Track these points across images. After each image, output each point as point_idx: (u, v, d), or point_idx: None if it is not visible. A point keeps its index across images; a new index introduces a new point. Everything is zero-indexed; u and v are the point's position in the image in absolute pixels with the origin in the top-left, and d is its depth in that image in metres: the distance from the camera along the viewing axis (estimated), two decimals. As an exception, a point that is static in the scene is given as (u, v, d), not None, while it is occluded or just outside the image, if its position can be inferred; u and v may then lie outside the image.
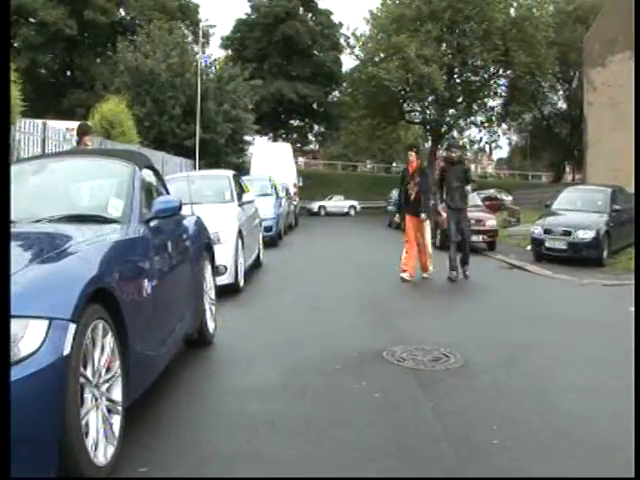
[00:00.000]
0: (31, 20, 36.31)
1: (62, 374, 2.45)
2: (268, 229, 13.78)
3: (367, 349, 5.18)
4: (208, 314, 5.27)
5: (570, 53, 41.63)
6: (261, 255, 10.75)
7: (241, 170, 20.50)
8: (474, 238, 15.83)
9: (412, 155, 9.87)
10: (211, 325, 5.36)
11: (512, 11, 40.58)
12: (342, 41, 45.77)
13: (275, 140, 46.19)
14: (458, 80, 44.19)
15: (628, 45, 28.94)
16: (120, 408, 3.00)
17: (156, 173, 4.91)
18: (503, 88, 46.07)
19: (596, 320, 7.00)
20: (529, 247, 14.57)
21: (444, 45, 41.01)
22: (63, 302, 2.53)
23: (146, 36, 26.96)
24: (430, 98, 41.44)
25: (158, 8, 36.95)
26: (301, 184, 31.60)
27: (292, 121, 52.19)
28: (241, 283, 8.18)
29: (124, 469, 2.87)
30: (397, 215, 10.86)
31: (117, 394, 3.00)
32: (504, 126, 49.47)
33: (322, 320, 6.41)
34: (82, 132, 8.17)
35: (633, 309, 7.88)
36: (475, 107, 45.54)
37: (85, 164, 4.51)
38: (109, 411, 2.91)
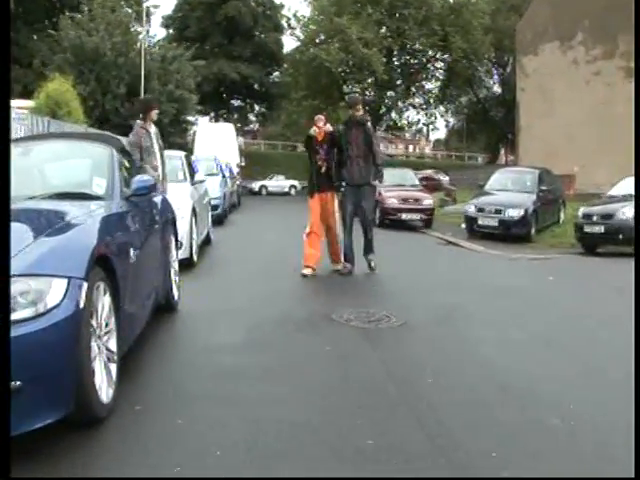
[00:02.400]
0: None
1: (79, 324, 2.97)
2: (215, 208, 14.17)
3: (317, 312, 5.84)
4: (174, 283, 5.79)
5: (504, 40, 43.04)
6: (211, 233, 11.23)
7: (184, 150, 20.72)
8: (411, 216, 16.68)
9: (321, 120, 7.95)
10: (176, 293, 5.89)
11: (450, -2, 41.64)
12: (284, 22, 46.01)
13: (217, 120, 46.21)
14: (397, 63, 45.13)
15: (558, 35, 30.31)
16: (116, 357, 3.54)
17: (128, 155, 5.38)
18: (441, 72, 47.33)
19: (519, 287, 7.84)
20: (463, 225, 15.49)
21: (384, 28, 41.73)
22: (77, 265, 3.05)
23: (89, 12, 26.62)
24: (370, 80, 42.21)
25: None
26: (243, 164, 31.92)
27: (233, 101, 52.19)
28: (195, 258, 8.67)
29: (122, 407, 3.41)
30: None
31: (113, 345, 3.52)
32: (441, 108, 50.79)
33: (273, 288, 7.00)
34: (148, 107, 7.42)
35: (552, 278, 8.82)
36: (413, 89, 46.63)
37: (67, 146, 4.97)
38: (108, 359, 3.44)
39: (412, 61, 45.58)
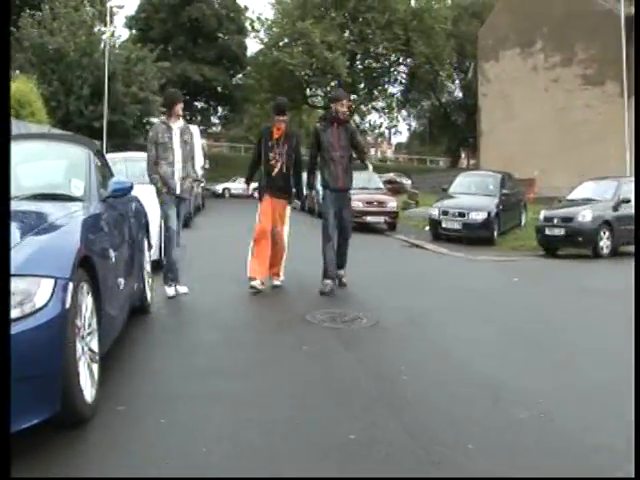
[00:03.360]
0: None
1: (65, 324, 2.99)
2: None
3: (291, 313, 5.92)
4: (147, 285, 5.81)
5: (466, 45, 43.77)
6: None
7: (149, 152, 20.58)
8: (376, 219, 16.84)
9: (282, 118, 7.15)
10: (149, 294, 5.91)
11: (412, 2, 42.18)
12: (247, 25, 45.99)
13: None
14: (360, 66, 45.52)
15: (518, 42, 30.96)
16: (98, 357, 3.57)
17: (103, 157, 5.39)
18: (403, 76, 47.92)
19: (485, 288, 8.06)
20: (427, 228, 15.73)
21: (347, 32, 42.08)
22: (63, 265, 3.07)
23: (50, 11, 26.23)
24: (333, 83, 42.48)
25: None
26: (207, 166, 31.75)
27: (197, 103, 51.91)
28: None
29: (105, 407, 3.44)
30: (252, 187, 7.64)
31: (95, 345, 3.55)
32: (404, 112, 51.43)
33: (245, 290, 7.04)
34: (172, 101, 6.85)
35: (517, 279, 9.06)
36: (376, 93, 47.11)
37: (44, 147, 4.97)
38: (91, 359, 3.47)
39: (375, 65, 46.03)
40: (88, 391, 3.31)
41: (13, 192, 4.11)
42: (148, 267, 6.08)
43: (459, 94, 54.43)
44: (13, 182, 4.37)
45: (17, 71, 26.12)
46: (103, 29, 28.53)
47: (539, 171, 27.37)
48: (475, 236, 14.24)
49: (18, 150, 4.83)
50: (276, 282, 7.38)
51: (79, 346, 3.25)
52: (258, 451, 3.01)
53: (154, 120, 29.56)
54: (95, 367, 3.52)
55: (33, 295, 2.88)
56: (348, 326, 5.48)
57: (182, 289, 6.80)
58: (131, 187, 4.68)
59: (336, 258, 7.18)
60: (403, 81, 48.14)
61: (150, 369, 4.25)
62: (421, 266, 10.79)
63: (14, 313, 2.79)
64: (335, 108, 7.20)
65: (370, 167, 8.10)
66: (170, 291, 6.70)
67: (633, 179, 12.82)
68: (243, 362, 4.38)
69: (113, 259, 4.04)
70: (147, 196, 8.48)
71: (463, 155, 61.36)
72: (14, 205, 3.89)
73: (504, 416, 3.51)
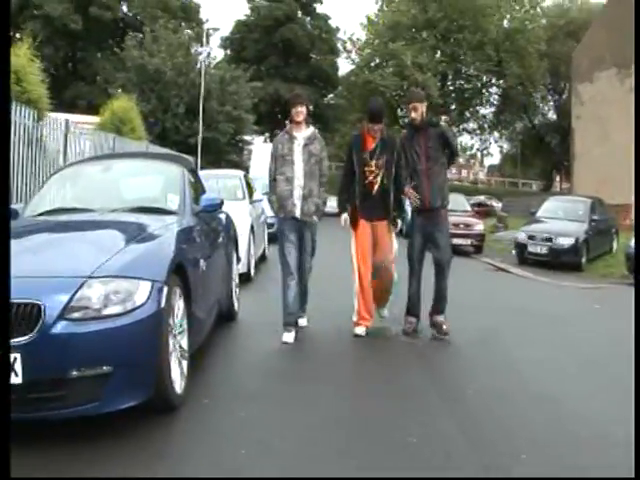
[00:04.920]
0: (35, 13, 37.05)
1: (160, 321, 3.39)
2: (271, 226, 14.65)
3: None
4: (234, 294, 6.22)
5: (561, 66, 42.78)
6: (266, 249, 11.68)
7: (240, 168, 21.45)
8: (462, 242, 16.73)
9: (378, 127, 5.84)
10: (236, 304, 6.31)
11: (505, 23, 41.75)
12: (339, 45, 46.83)
13: (272, 140, 47.04)
14: (451, 87, 45.29)
15: (615, 62, 30.08)
16: (187, 355, 3.94)
17: (196, 174, 5.85)
18: (495, 97, 47.33)
19: (563, 313, 8.02)
20: (514, 251, 15.59)
21: (439, 53, 42.10)
22: (159, 271, 3.48)
23: (152, 35, 27.80)
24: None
25: (160, 6, 37.85)
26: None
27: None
28: (252, 273, 9.11)
29: (192, 399, 3.81)
30: (344, 216, 6.10)
31: (185, 344, 3.93)
32: (495, 134, 50.72)
33: (324, 303, 7.27)
34: (288, 104, 5.94)
35: (598, 306, 8.92)
36: (467, 114, 46.66)
37: (143, 164, 5.49)
38: (181, 355, 3.85)
39: (466, 86, 45.72)
40: (178, 383, 3.70)
41: (116, 205, 4.62)
42: (236, 278, 6.49)
43: (553, 116, 53.19)
44: (116, 195, 4.90)
45: (119, 89, 27.82)
46: (200, 49, 29.96)
47: (635, 196, 26.37)
48: (562, 261, 14.01)
49: (121, 167, 5.39)
50: (383, 313, 6.24)
51: (171, 342, 3.64)
52: (331, 447, 3.29)
53: (246, 138, 30.74)
54: (185, 363, 3.90)
55: (133, 294, 3.28)
56: (422, 342, 5.70)
57: (302, 322, 6.05)
58: (221, 203, 5.08)
59: (435, 296, 5.97)
60: (495, 102, 47.58)
61: (232, 370, 4.66)
62: (502, 289, 10.77)
63: (117, 309, 3.20)
64: (410, 114, 6.03)
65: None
66: (302, 322, 6.02)
67: None
68: (316, 368, 4.71)
69: (203, 268, 4.43)
70: (237, 212, 9.01)
71: (557, 178, 59.76)
72: (117, 216, 4.37)
73: (563, 433, 3.62)
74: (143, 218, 4.35)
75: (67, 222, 4.27)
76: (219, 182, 10.30)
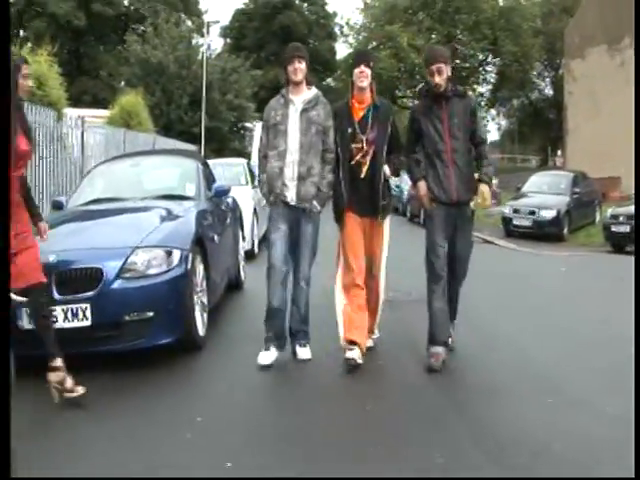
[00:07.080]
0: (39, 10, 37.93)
1: (187, 279, 4.53)
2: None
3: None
4: (241, 266, 7.35)
5: (557, 42, 43.28)
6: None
7: (243, 155, 22.45)
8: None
9: (364, 71, 4.53)
10: (242, 274, 7.44)
11: (500, 1, 42.37)
12: (336, 30, 47.64)
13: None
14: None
15: (605, 39, 30.85)
16: (207, 308, 5.08)
17: (207, 166, 6.97)
18: (492, 75, 48.02)
19: (525, 273, 9.22)
20: (501, 225, 16.59)
21: (435, 34, 42.78)
22: (186, 242, 4.65)
23: (154, 29, 28.72)
24: (421, 85, 43.02)
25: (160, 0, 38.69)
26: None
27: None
28: (256, 250, 10.22)
29: (212, 341, 4.96)
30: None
31: (205, 300, 5.06)
32: (493, 111, 51.43)
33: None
34: (283, 60, 4.60)
35: (564, 269, 9.99)
36: (465, 93, 47.19)
37: (164, 160, 6.67)
38: (202, 308, 4.98)
39: (463, 65, 46.40)
40: (201, 328, 4.84)
41: (144, 194, 5.76)
42: (242, 252, 7.62)
43: (550, 91, 53.78)
44: (144, 186, 6.04)
45: (123, 83, 28.84)
46: (200, 41, 30.90)
47: (625, 169, 27.28)
48: (545, 233, 14.98)
49: (146, 163, 6.54)
50: (371, 336, 4.90)
51: (195, 297, 4.77)
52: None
53: (248, 125, 31.71)
54: (205, 315, 5.04)
55: (168, 259, 4.43)
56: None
57: (303, 353, 4.64)
58: (229, 189, 6.22)
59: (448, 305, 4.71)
60: (492, 80, 48.25)
61: (242, 324, 5.79)
62: (484, 258, 11.70)
63: (157, 270, 4.36)
64: (432, 79, 4.47)
65: (491, 159, 4.97)
66: (303, 353, 4.64)
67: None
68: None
69: (217, 241, 5.58)
70: (241, 196, 10.10)
71: (559, 153, 60.32)
72: (148, 203, 5.52)
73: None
74: (168, 203, 5.49)
75: (108, 209, 5.40)
76: (225, 170, 11.38)
